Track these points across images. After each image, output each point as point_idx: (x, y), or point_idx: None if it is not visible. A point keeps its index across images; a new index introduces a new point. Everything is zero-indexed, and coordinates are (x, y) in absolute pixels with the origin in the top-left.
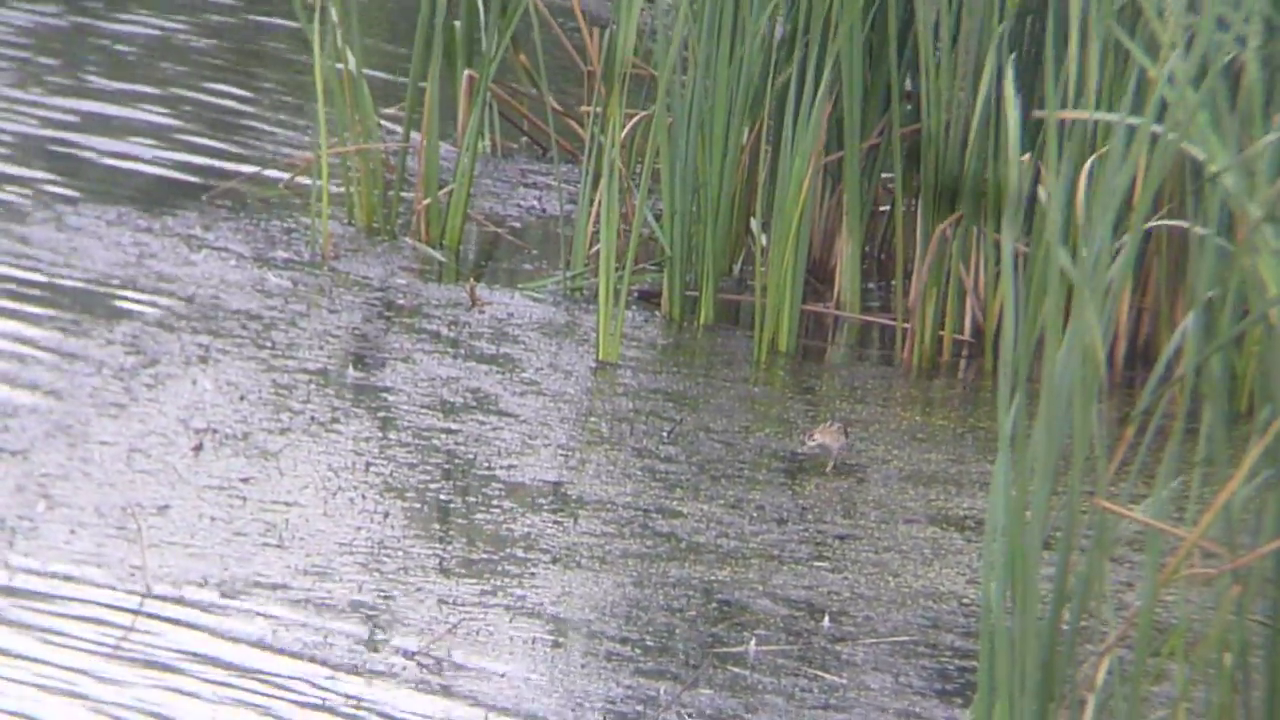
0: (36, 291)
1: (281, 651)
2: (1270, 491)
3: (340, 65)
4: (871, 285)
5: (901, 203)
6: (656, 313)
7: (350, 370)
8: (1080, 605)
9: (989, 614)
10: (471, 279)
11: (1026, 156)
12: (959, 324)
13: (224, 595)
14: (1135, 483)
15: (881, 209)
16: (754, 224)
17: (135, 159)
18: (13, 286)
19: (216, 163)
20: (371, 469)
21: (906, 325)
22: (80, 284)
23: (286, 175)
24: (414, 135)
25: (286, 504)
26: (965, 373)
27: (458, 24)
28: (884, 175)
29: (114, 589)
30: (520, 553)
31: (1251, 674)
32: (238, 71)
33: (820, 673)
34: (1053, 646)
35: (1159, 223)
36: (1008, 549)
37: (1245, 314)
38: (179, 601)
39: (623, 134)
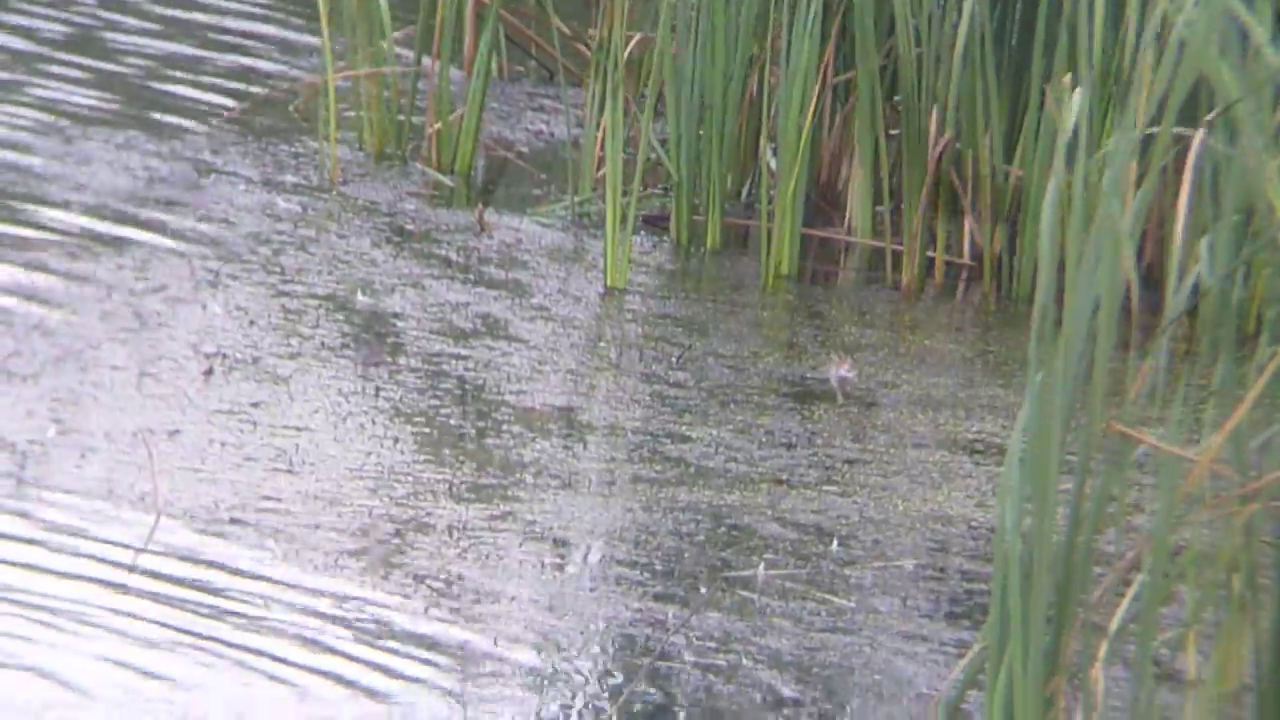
0: (44, 217)
1: (292, 576)
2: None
3: None
4: (880, 208)
5: (909, 125)
6: (665, 238)
7: (359, 295)
8: (1094, 530)
9: (1003, 539)
10: (480, 204)
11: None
12: (958, 247)
13: (234, 520)
14: (1152, 407)
15: (891, 132)
16: (763, 146)
17: (142, 82)
18: (20, 212)
19: (225, 84)
20: (381, 394)
21: (897, 247)
22: (88, 209)
23: (295, 99)
24: (424, 61)
25: (296, 429)
26: (969, 296)
27: None
28: (895, 98)
29: (124, 513)
30: (529, 478)
31: (1260, 596)
32: None
33: (828, 596)
34: (1068, 570)
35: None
36: (1027, 474)
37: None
38: (189, 526)
39: (625, 55)
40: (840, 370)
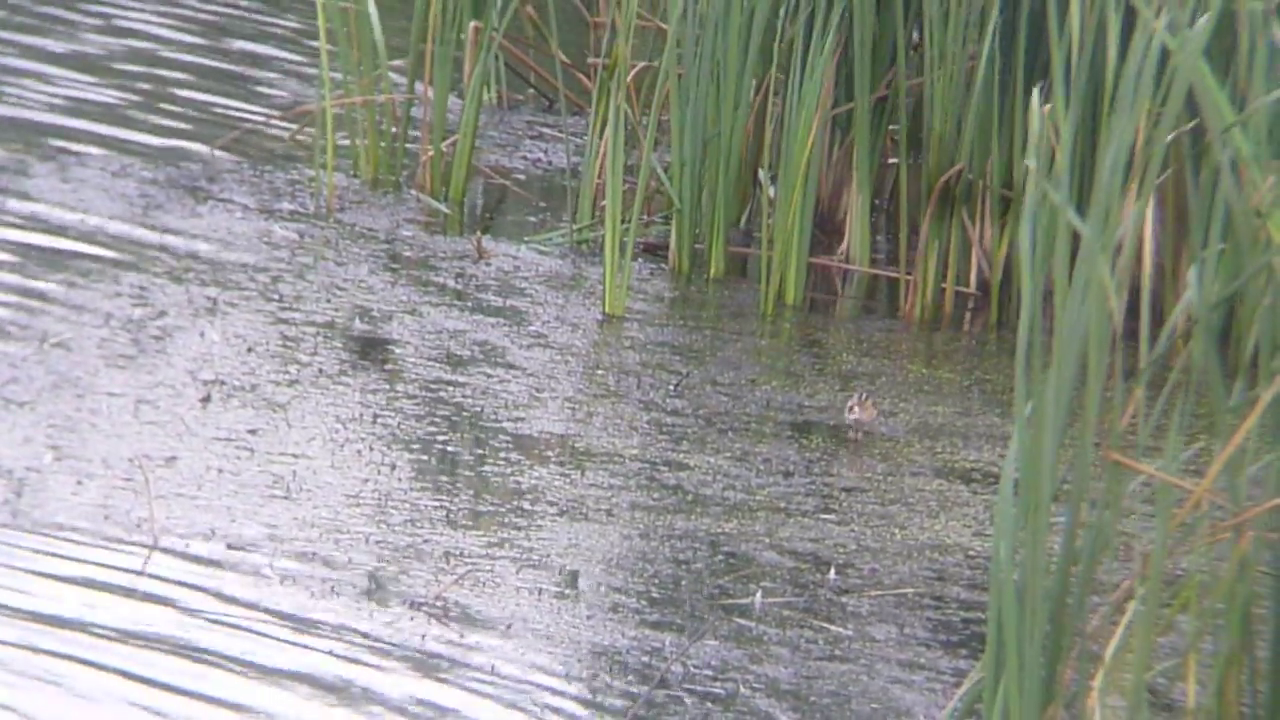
0: (42, 243)
1: (289, 603)
2: (1277, 444)
3: (347, 3)
4: (879, 238)
5: (907, 155)
6: (664, 265)
7: (357, 323)
8: (1091, 559)
9: (999, 569)
10: (478, 231)
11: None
12: (964, 277)
13: (231, 547)
14: (1146, 436)
15: (889, 161)
16: (762, 176)
17: (138, 109)
18: (19, 238)
19: (222, 112)
20: (379, 421)
21: (910, 278)
22: (85, 235)
23: (292, 127)
24: (418, 87)
25: (294, 456)
26: (971, 325)
27: None
28: (891, 127)
29: (121, 540)
30: (527, 505)
31: (1257, 624)
32: (245, 22)
33: (826, 624)
34: (1062, 600)
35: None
36: (1022, 503)
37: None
38: (186, 553)
39: (629, 80)
40: (858, 410)
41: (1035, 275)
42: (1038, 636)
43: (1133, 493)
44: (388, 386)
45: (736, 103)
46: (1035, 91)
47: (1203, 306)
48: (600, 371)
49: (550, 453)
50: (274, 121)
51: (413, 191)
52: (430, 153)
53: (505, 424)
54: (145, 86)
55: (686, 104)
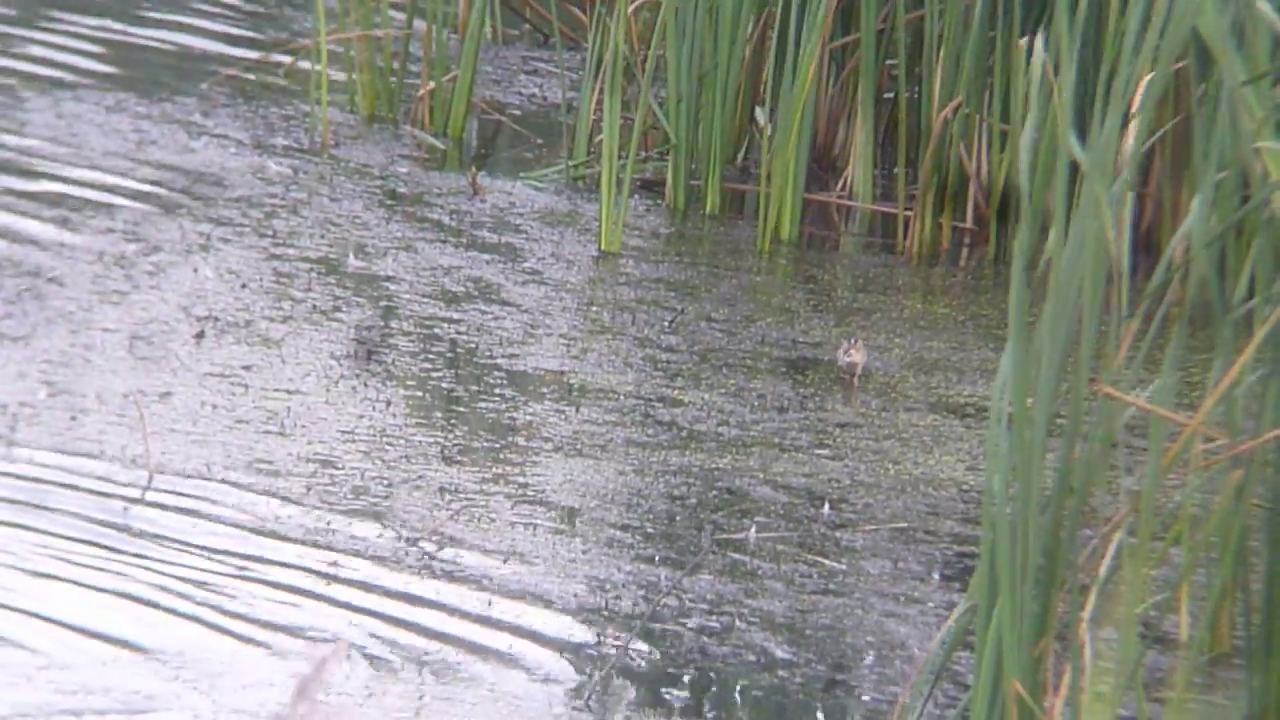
0: (36, 179)
1: (284, 538)
2: (1270, 379)
3: None
4: (875, 172)
5: (905, 89)
6: (660, 202)
7: (351, 258)
8: (1083, 492)
9: (991, 502)
10: (473, 167)
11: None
12: (961, 212)
13: (226, 482)
14: (1140, 370)
15: (885, 96)
16: (759, 112)
17: (133, 44)
18: (12, 174)
19: (217, 48)
20: (373, 357)
21: (907, 213)
22: (80, 171)
23: (286, 61)
24: (416, 22)
25: (288, 392)
26: (968, 260)
27: None
28: (888, 62)
29: (116, 476)
30: (522, 440)
31: (1250, 557)
32: None
33: (820, 558)
34: (1056, 532)
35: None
36: (1015, 437)
37: (1245, 200)
38: (181, 488)
39: (627, 13)
40: (851, 353)
41: (1035, 205)
42: (1030, 569)
43: (1129, 426)
44: (382, 322)
45: (734, 38)
46: (1033, 39)
47: (1202, 237)
48: (595, 308)
49: (545, 389)
50: (269, 56)
51: (408, 127)
52: (429, 86)
53: (500, 360)
54: (139, 21)
55: (683, 39)
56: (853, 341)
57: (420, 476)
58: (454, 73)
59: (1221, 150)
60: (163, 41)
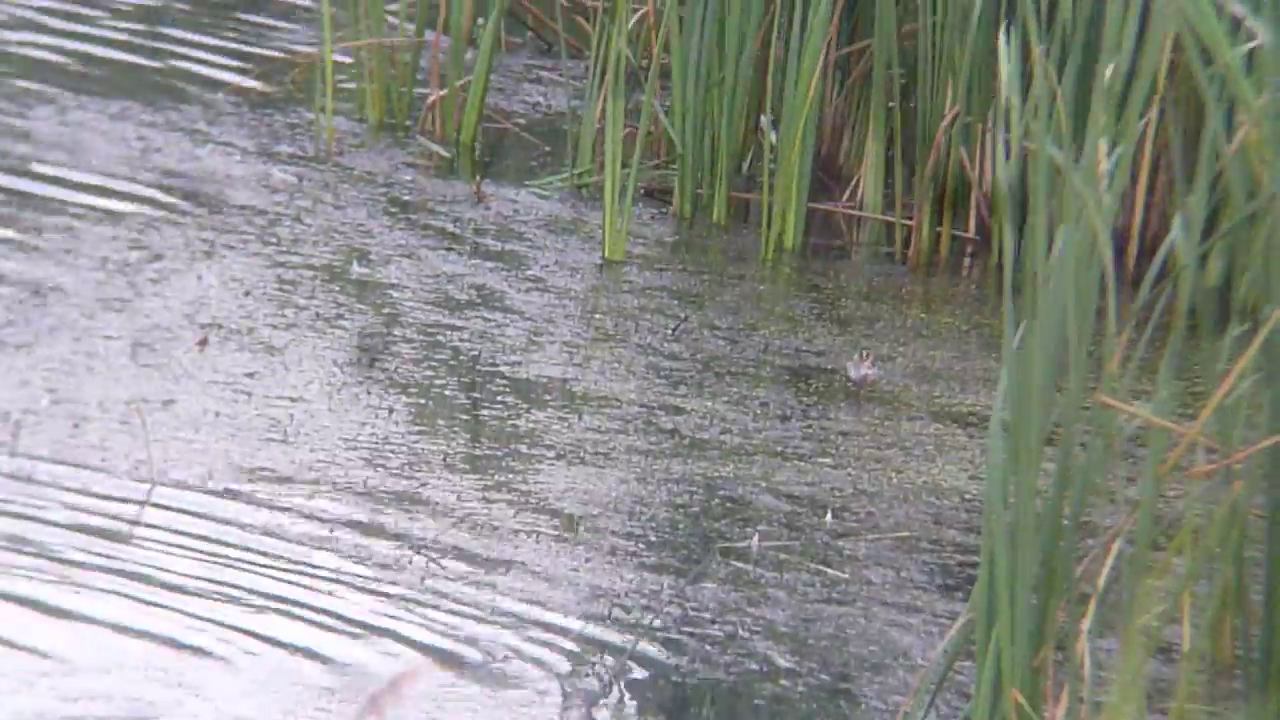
0: (40, 186)
1: (286, 546)
2: (1265, 388)
3: None
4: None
5: (907, 98)
6: (665, 210)
7: (355, 266)
8: (1081, 501)
9: (991, 509)
10: (477, 175)
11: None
12: (963, 221)
13: (228, 490)
14: (1138, 379)
15: (888, 105)
16: (763, 120)
17: (137, 51)
18: (15, 181)
19: (222, 54)
20: (376, 364)
21: (909, 222)
22: (84, 178)
23: (293, 70)
24: (425, 31)
25: (291, 399)
26: (971, 270)
27: None
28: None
29: (118, 483)
30: (524, 448)
31: (1250, 568)
32: None
33: (822, 567)
34: (1054, 541)
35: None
36: (1009, 445)
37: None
38: (183, 496)
39: (630, 24)
40: (862, 367)
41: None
42: (1029, 578)
43: (1127, 435)
44: (385, 330)
45: (739, 47)
46: (1003, 32)
47: (1190, 253)
48: (598, 316)
49: (548, 397)
50: (274, 65)
51: (416, 135)
52: (441, 93)
53: (503, 368)
54: (143, 31)
55: (688, 48)
56: (863, 354)
57: (423, 484)
58: (464, 79)
59: (1215, 155)
60: (168, 49)
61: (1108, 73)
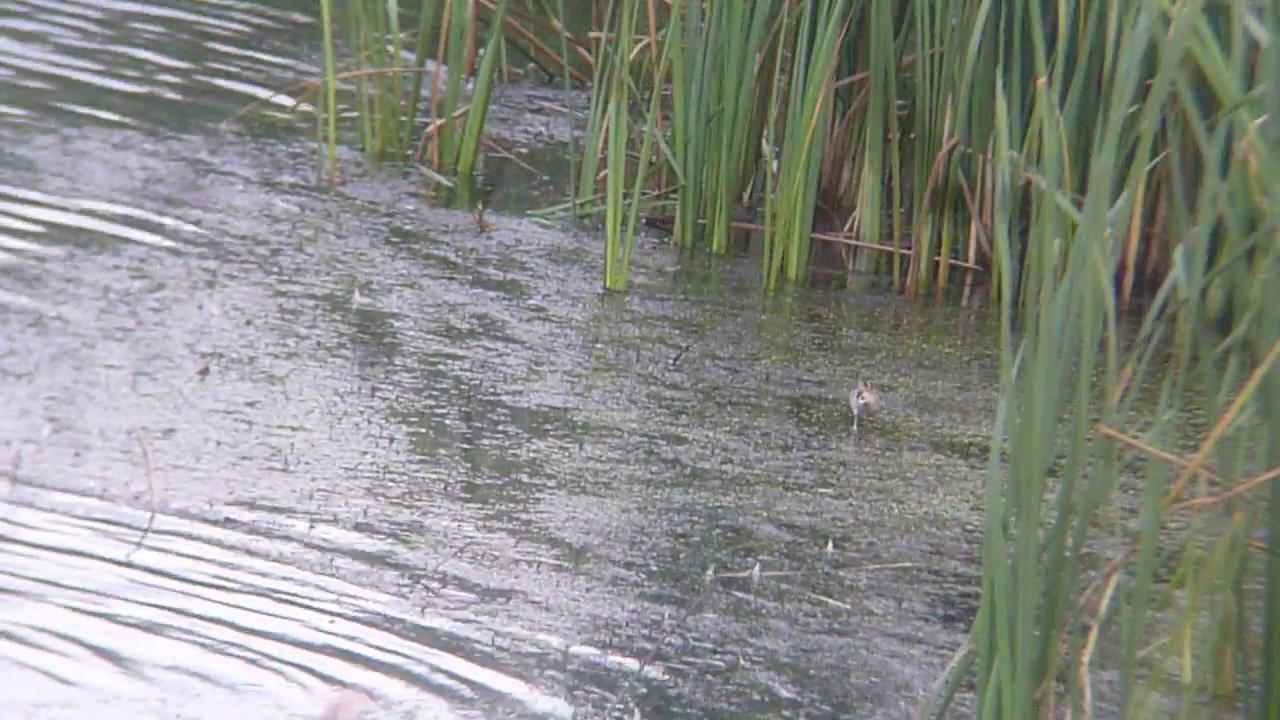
0: (42, 215)
1: (287, 575)
2: (1266, 421)
3: None
4: (882, 211)
5: (906, 130)
6: (666, 240)
7: (356, 295)
8: (1082, 532)
9: (991, 540)
10: (480, 205)
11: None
12: (963, 251)
13: (229, 519)
14: (1140, 410)
15: (887, 136)
16: (765, 150)
17: (140, 81)
18: (18, 210)
19: (224, 84)
20: (377, 394)
21: (909, 252)
22: (85, 208)
23: (295, 100)
24: (426, 62)
25: (292, 428)
26: (971, 300)
27: None
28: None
29: (119, 513)
30: (525, 478)
31: (1251, 600)
32: None
33: (824, 598)
34: (1056, 573)
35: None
36: (1011, 476)
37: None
38: (184, 525)
39: (630, 56)
40: (862, 397)
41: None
42: (1030, 610)
43: (1132, 466)
44: (386, 359)
45: (740, 78)
46: (999, 72)
47: (1192, 287)
48: (600, 345)
49: (549, 426)
50: (277, 95)
51: (418, 165)
52: (440, 122)
53: (504, 397)
54: (145, 61)
55: (690, 78)
56: (866, 385)
57: (423, 513)
58: (463, 109)
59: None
60: (172, 79)
61: (1114, 112)
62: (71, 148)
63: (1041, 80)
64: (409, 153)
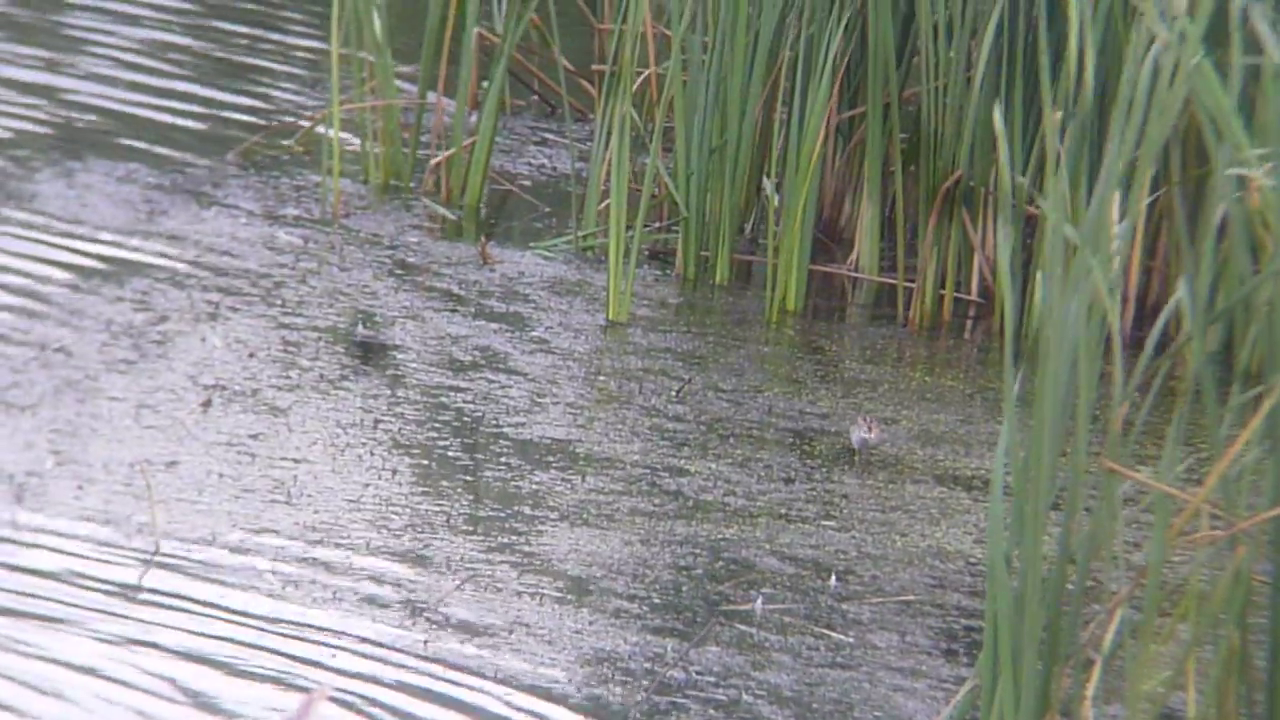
0: (46, 248)
1: (289, 607)
2: (1270, 457)
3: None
4: (881, 244)
5: (908, 162)
6: (669, 272)
7: (359, 328)
8: (1085, 566)
9: (994, 575)
10: (483, 237)
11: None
12: (966, 284)
13: (232, 552)
14: (1142, 444)
15: (889, 169)
16: (766, 183)
17: (144, 114)
18: (22, 243)
19: (228, 117)
20: (380, 426)
21: (911, 284)
22: (88, 240)
23: (298, 133)
24: (428, 94)
25: (295, 461)
26: (974, 333)
27: None
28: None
29: (122, 545)
30: (528, 510)
31: (1254, 634)
32: (252, 23)
33: (827, 631)
34: (1058, 607)
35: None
36: (1014, 509)
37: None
38: (187, 557)
39: (633, 89)
40: (863, 432)
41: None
42: (1033, 643)
43: (1131, 499)
44: (389, 391)
45: (742, 110)
46: (997, 105)
47: (1197, 321)
48: (602, 377)
49: (551, 458)
50: (280, 128)
51: (420, 198)
52: (444, 154)
53: (507, 429)
54: (149, 94)
55: (692, 111)
56: (867, 419)
57: (426, 545)
58: (469, 141)
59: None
60: (175, 112)
61: (1119, 145)
62: (75, 180)
63: (1058, 114)
64: (413, 185)
